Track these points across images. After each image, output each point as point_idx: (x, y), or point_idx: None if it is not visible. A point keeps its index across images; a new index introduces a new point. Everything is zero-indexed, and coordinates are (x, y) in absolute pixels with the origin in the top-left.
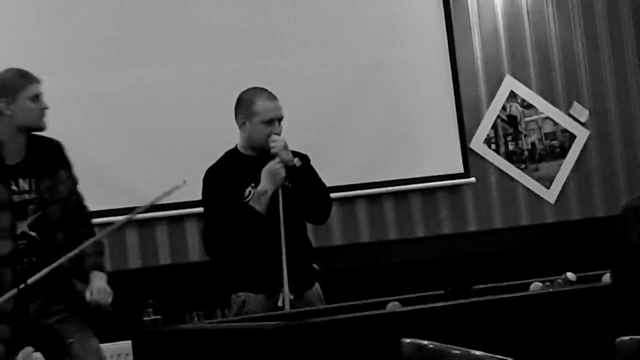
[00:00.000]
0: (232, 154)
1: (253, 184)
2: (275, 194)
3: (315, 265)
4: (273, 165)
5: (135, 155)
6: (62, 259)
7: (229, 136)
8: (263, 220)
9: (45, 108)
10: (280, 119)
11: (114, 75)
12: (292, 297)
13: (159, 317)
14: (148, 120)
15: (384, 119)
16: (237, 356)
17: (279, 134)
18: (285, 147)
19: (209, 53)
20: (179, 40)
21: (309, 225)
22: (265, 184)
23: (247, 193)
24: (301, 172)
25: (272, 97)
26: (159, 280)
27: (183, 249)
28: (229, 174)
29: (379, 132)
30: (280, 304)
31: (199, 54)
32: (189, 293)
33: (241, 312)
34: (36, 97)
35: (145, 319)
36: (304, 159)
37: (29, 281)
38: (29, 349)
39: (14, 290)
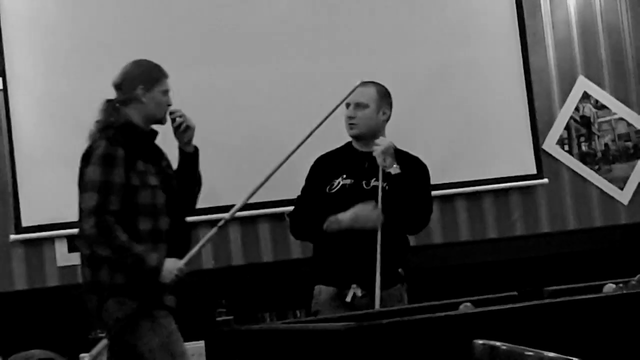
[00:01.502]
0: (345, 145)
1: (344, 175)
2: (371, 192)
3: (400, 270)
4: (365, 207)
5: (220, 156)
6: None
7: (323, 136)
8: (322, 233)
9: (170, 105)
10: (356, 105)
11: (206, 74)
12: (360, 294)
13: (231, 317)
14: (236, 120)
15: (456, 120)
16: (309, 357)
17: (352, 117)
18: (385, 151)
19: (287, 53)
20: (265, 40)
21: None
22: (347, 219)
23: (335, 183)
24: (397, 180)
25: (361, 84)
26: (232, 280)
27: (256, 249)
28: (329, 163)
29: (451, 133)
30: (348, 299)
31: (280, 54)
32: (261, 293)
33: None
34: (166, 92)
35: (217, 319)
36: (414, 164)
37: (226, 217)
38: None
39: (215, 229)
